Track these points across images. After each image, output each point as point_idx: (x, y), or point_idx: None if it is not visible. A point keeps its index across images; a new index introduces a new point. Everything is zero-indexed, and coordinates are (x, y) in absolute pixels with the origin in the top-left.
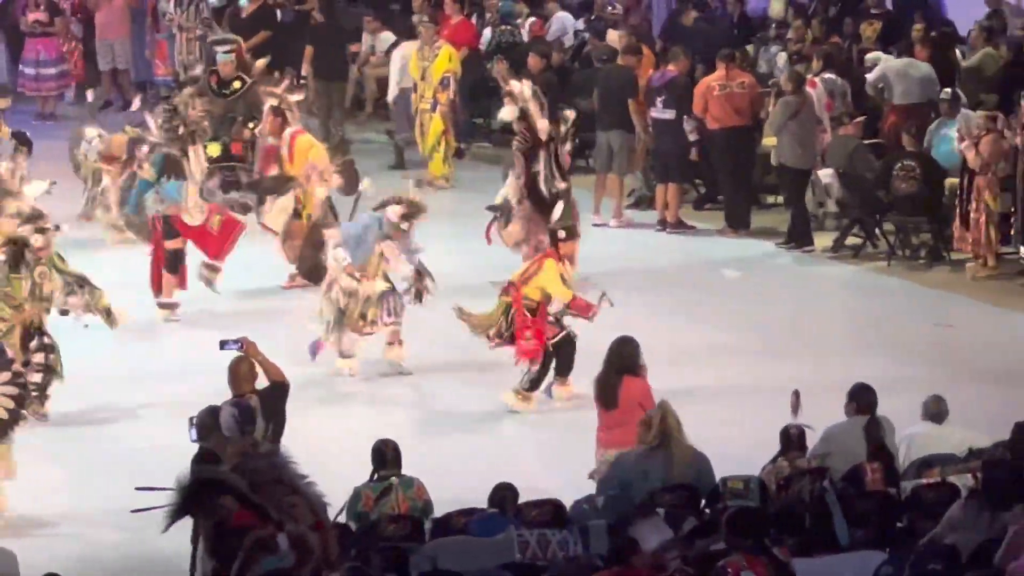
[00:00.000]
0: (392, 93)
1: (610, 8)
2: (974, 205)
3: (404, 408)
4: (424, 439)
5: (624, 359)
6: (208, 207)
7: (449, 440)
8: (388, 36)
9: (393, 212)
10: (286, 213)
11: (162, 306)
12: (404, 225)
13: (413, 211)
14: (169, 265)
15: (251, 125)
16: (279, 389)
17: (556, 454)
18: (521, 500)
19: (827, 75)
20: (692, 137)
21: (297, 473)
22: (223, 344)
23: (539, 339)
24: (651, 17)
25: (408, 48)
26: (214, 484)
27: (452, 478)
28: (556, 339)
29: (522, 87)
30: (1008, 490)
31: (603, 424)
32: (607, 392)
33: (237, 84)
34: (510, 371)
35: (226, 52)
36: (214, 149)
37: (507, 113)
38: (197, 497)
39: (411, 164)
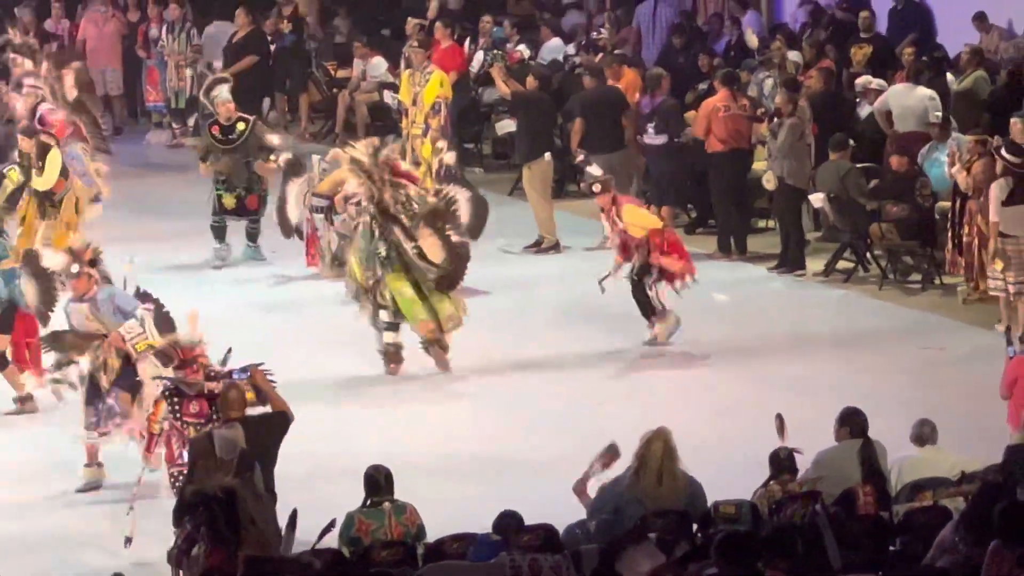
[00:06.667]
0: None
1: (595, 33)
2: (967, 229)
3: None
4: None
5: None
6: None
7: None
8: (380, 61)
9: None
10: None
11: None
12: (75, 268)
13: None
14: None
15: (272, 157)
16: (276, 420)
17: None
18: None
19: None
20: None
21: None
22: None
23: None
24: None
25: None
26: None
27: (452, 505)
28: None
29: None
30: None
31: None
32: None
33: (241, 126)
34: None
35: (223, 93)
36: (229, 201)
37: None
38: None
39: None
